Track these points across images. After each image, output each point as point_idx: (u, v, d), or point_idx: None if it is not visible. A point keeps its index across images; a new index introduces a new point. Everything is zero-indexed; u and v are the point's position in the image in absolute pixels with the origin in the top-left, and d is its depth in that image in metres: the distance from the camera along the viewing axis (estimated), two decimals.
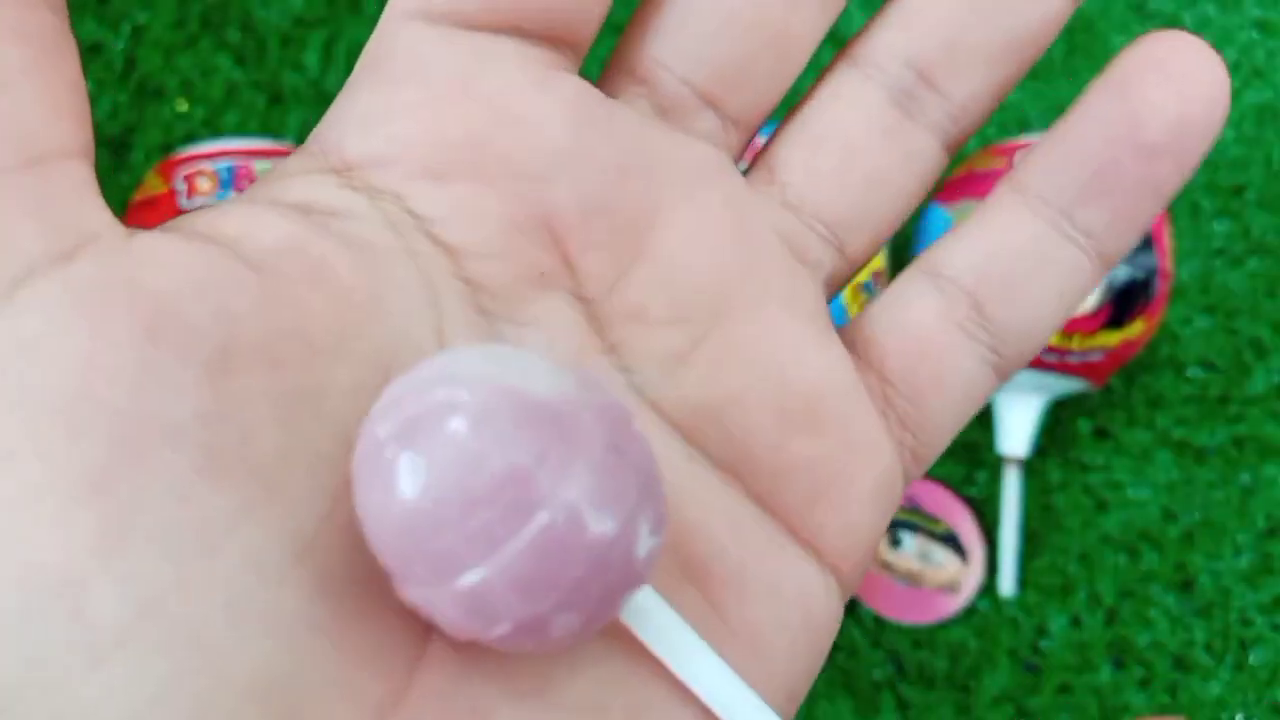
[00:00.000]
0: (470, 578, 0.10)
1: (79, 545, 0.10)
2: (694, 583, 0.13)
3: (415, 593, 0.10)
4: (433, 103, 0.13)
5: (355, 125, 0.13)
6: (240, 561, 0.10)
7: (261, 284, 0.11)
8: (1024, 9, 0.14)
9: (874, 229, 0.14)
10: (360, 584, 0.11)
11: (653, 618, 0.12)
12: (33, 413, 0.10)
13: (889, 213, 0.14)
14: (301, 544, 0.11)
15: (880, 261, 0.38)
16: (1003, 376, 0.15)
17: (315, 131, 0.13)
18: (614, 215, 0.13)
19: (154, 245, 0.11)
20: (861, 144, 0.14)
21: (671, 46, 0.14)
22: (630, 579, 0.11)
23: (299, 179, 0.13)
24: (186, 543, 0.10)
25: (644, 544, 0.11)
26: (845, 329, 0.15)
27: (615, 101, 0.14)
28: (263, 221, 0.12)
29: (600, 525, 0.10)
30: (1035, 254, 0.14)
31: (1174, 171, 0.13)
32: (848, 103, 0.14)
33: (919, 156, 0.14)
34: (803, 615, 0.13)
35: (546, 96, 0.13)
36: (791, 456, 0.13)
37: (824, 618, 0.13)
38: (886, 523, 0.14)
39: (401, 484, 0.10)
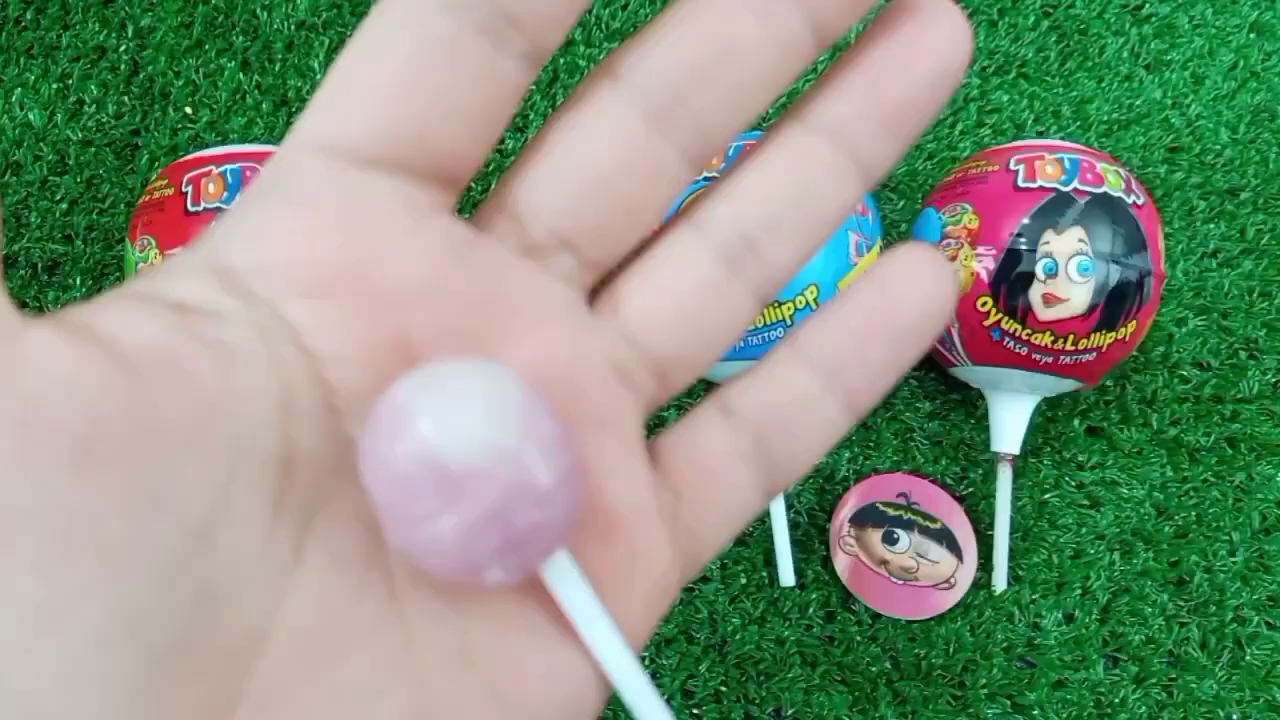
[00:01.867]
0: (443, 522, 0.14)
1: None
2: (473, 667, 0.15)
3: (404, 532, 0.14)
4: (315, 232, 0.15)
5: (243, 239, 0.15)
6: (81, 632, 0.12)
7: (127, 384, 0.13)
8: (827, 198, 0.17)
9: (693, 366, 0.17)
10: (193, 653, 0.13)
11: (567, 579, 0.15)
12: None
13: (706, 354, 0.17)
14: (138, 618, 0.12)
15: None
16: (769, 499, 0.18)
17: (208, 231, 0.15)
18: (463, 339, 0.15)
19: (38, 343, 0.12)
20: (690, 296, 0.17)
21: (545, 200, 0.16)
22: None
23: (185, 277, 0.14)
24: (34, 615, 0.11)
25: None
26: (651, 445, 0.18)
27: (482, 239, 0.16)
28: (139, 322, 0.13)
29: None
30: (807, 406, 0.17)
31: (914, 351, 0.17)
32: (686, 258, 0.17)
33: (737, 310, 0.17)
34: (572, 697, 0.16)
35: (416, 238, 0.15)
36: (585, 562, 0.16)
37: (588, 704, 0.16)
38: (658, 620, 0.17)
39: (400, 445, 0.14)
